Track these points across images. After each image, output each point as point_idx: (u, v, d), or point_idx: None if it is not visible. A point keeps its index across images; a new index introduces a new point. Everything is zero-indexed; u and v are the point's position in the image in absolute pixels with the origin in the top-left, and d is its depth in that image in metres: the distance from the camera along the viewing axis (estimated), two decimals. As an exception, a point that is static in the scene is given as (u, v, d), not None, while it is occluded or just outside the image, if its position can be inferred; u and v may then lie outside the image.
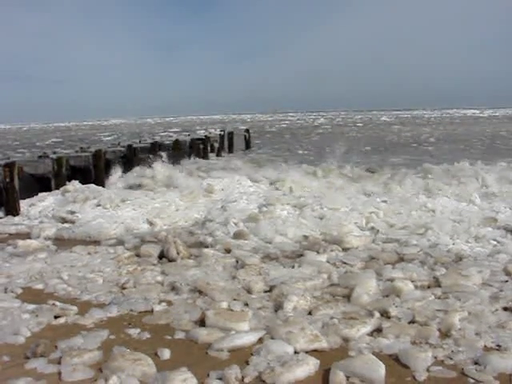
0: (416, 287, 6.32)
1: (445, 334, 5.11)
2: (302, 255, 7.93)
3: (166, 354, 4.82)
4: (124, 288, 6.62)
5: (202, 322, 5.48)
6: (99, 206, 11.45)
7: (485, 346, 4.86)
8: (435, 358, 4.67)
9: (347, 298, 6.02)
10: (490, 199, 11.04)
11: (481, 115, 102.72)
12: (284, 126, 71.40)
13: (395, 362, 4.63)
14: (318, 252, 8.03)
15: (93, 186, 13.64)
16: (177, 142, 24.51)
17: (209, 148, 27.62)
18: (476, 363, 4.56)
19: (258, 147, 34.96)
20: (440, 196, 10.96)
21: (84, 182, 14.20)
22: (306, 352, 4.73)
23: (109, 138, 44.20)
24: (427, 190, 11.97)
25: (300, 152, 30.27)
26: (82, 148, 20.10)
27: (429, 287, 6.44)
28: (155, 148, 22.20)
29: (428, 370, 4.47)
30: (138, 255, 8.14)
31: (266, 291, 6.34)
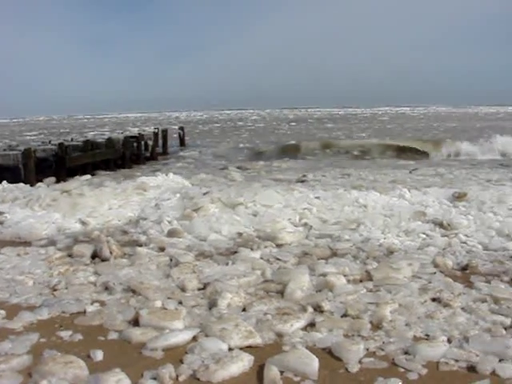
0: (348, 281, 6.44)
1: (376, 326, 5.23)
2: (236, 252, 7.95)
3: (98, 355, 4.74)
4: (55, 289, 6.46)
5: (135, 322, 5.41)
6: (29, 205, 11.15)
7: (414, 336, 5.00)
8: (367, 349, 4.76)
9: (281, 293, 6.07)
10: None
11: (411, 114, 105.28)
12: (217, 124, 71.30)
13: (328, 355, 4.70)
14: (251, 249, 8.07)
15: (22, 185, 13.30)
16: (110, 139, 24.20)
17: (143, 146, 27.37)
18: (406, 353, 4.69)
19: (193, 144, 34.92)
20: (371, 191, 11.15)
21: (13, 181, 13.84)
22: (241, 348, 4.74)
23: (36, 137, 43.04)
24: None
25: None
26: (10, 146, 19.57)
27: (361, 281, 6.56)
28: (88, 146, 21.85)
29: (360, 362, 4.56)
30: (70, 255, 7.96)
31: (200, 289, 6.32)
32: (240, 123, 76.50)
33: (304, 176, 17.19)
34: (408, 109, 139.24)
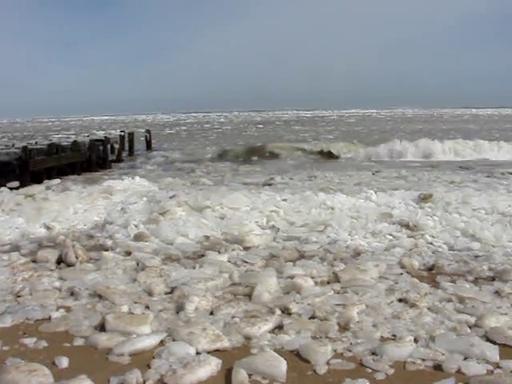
0: (316, 283, 6.45)
1: (344, 328, 5.25)
2: (203, 255, 7.92)
3: (64, 362, 4.66)
4: (19, 296, 6.32)
5: (102, 327, 5.33)
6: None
7: (381, 337, 5.04)
8: (335, 351, 4.78)
9: (248, 296, 6.05)
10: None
11: (378, 116, 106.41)
12: (184, 127, 71.01)
13: (296, 358, 4.71)
14: (219, 252, 8.04)
15: (-18, 189, 13.06)
16: (75, 143, 23.93)
17: (109, 149, 27.14)
18: (373, 353, 4.73)
19: (159, 147, 34.76)
20: (338, 193, 11.21)
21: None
22: (208, 352, 4.71)
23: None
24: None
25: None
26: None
27: (328, 283, 6.58)
28: (53, 150, 21.57)
29: (328, 363, 4.57)
30: (34, 261, 7.82)
31: (167, 293, 6.26)
32: (207, 125, 76.43)
33: (271, 179, 17.21)
34: (375, 111, 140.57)
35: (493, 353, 4.63)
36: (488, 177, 17.51)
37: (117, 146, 28.87)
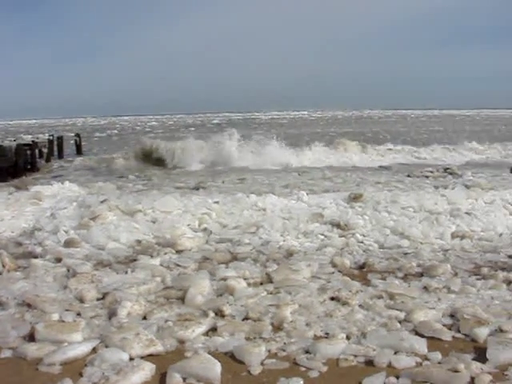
0: (249, 284, 6.46)
1: (277, 328, 5.29)
2: (135, 260, 7.81)
3: (-10, 375, 4.52)
4: None
5: (31, 337, 5.16)
6: None
7: (314, 335, 5.11)
8: (269, 351, 4.81)
9: (181, 299, 6.01)
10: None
11: (310, 118, 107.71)
12: (115, 131, 69.95)
13: (231, 359, 4.71)
14: (151, 256, 7.95)
15: None
16: (1, 147, 23.25)
17: (37, 154, 26.50)
18: (307, 352, 4.79)
19: (89, 152, 34.15)
20: (270, 195, 11.28)
21: None
22: (142, 357, 4.66)
23: None
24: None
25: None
26: None
27: (261, 283, 6.60)
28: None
29: (262, 364, 4.60)
30: (-42, 271, 7.55)
31: (99, 299, 6.14)
32: (138, 128, 75.60)
33: (201, 182, 17.20)
34: (306, 113, 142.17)
35: (421, 346, 4.78)
36: (409, 176, 18.15)
37: (45, 151, 28.22)
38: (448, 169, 18.88)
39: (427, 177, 17.77)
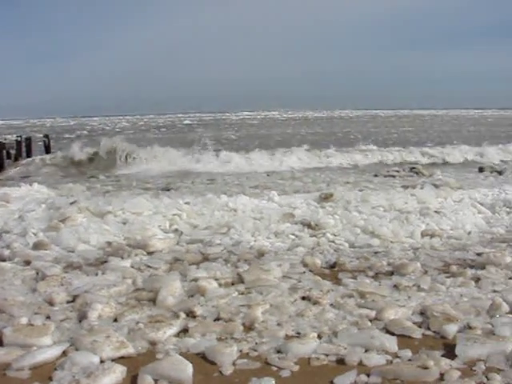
0: (220, 285, 6.46)
1: (249, 328, 5.28)
2: (105, 262, 7.73)
3: (-45, 385, 4.44)
4: None
5: (-1, 342, 5.12)
6: None
7: (286, 335, 5.11)
8: (240, 351, 4.81)
9: (153, 301, 5.98)
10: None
11: (281, 118, 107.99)
12: (85, 132, 69.22)
13: (202, 360, 4.70)
14: (122, 257, 7.88)
15: None
16: (-33, 150, 22.92)
17: (4, 155, 26.15)
18: (278, 351, 4.79)
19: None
20: (241, 195, 11.29)
21: None
22: (113, 360, 4.61)
23: None
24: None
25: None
26: None
27: (233, 284, 6.59)
28: None
29: (234, 364, 4.59)
30: None
31: (69, 302, 6.07)
32: (108, 128, 75.04)
33: (170, 183, 17.15)
34: (277, 113, 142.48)
35: (392, 344, 4.82)
36: (376, 176, 18.36)
37: (13, 152, 27.87)
38: (414, 168, 19.11)
39: (394, 176, 17.97)
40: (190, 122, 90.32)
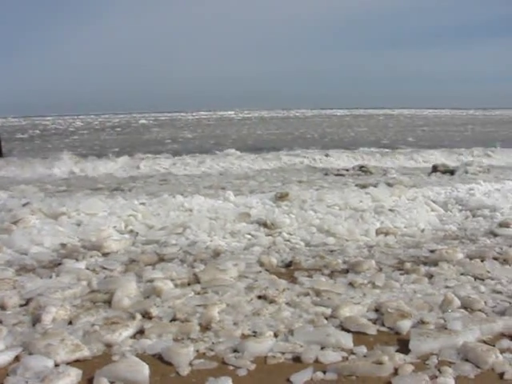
0: (176, 285, 6.43)
1: (205, 328, 5.28)
2: (60, 264, 7.62)
3: None
4: None
5: (-52, 348, 5.00)
6: None
7: (242, 334, 5.12)
8: (197, 351, 4.80)
9: (108, 303, 5.92)
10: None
11: (236, 118, 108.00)
12: (38, 131, 67.99)
13: (159, 361, 4.68)
14: (76, 259, 7.78)
15: None
16: None
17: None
18: (235, 351, 4.80)
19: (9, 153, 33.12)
20: (196, 195, 11.28)
21: None
22: (68, 363, 4.55)
23: None
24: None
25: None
26: None
27: (189, 284, 6.57)
28: None
29: (191, 364, 4.59)
30: None
31: (22, 305, 5.96)
32: (61, 128, 73.96)
33: (121, 184, 17.02)
34: (233, 113, 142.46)
35: (347, 340, 4.89)
36: (326, 174, 18.61)
37: (-37, 154, 27.28)
38: (363, 167, 19.36)
39: (343, 175, 18.20)
40: (145, 122, 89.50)
